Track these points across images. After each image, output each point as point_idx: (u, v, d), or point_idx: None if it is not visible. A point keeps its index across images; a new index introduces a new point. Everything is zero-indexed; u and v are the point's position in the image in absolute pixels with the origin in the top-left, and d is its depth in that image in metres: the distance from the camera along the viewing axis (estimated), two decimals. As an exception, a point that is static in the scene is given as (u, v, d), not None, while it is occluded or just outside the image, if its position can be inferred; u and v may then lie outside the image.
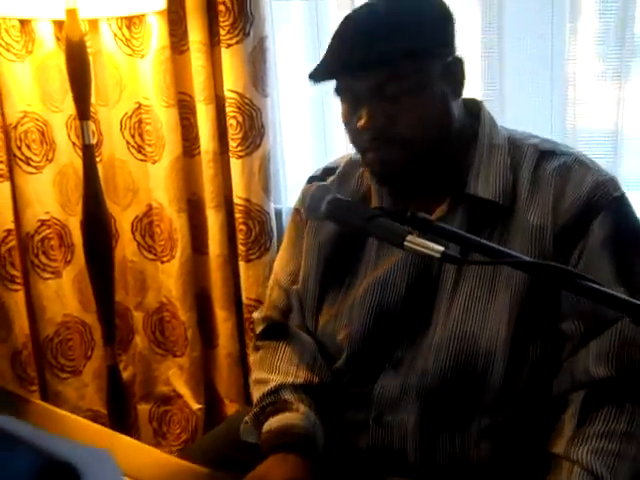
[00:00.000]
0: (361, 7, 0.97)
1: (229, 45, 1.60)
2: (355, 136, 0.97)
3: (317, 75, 0.94)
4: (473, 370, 0.93)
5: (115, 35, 1.72)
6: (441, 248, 0.74)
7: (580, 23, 1.42)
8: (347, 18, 0.95)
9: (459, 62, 0.97)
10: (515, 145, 0.99)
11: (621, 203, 0.95)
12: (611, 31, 1.41)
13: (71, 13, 1.46)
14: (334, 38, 0.94)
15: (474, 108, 1.02)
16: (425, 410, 0.96)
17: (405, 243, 0.77)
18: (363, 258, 1.04)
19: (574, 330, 0.92)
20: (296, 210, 1.15)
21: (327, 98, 1.01)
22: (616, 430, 0.86)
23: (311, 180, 1.14)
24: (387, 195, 1.02)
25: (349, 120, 0.96)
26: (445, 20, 0.96)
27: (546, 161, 0.96)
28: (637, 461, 0.86)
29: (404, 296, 0.99)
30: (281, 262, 1.16)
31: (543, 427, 0.94)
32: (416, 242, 0.77)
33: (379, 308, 1.00)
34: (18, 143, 1.66)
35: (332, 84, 0.97)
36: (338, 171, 1.11)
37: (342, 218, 0.89)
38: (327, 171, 1.13)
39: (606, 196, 0.93)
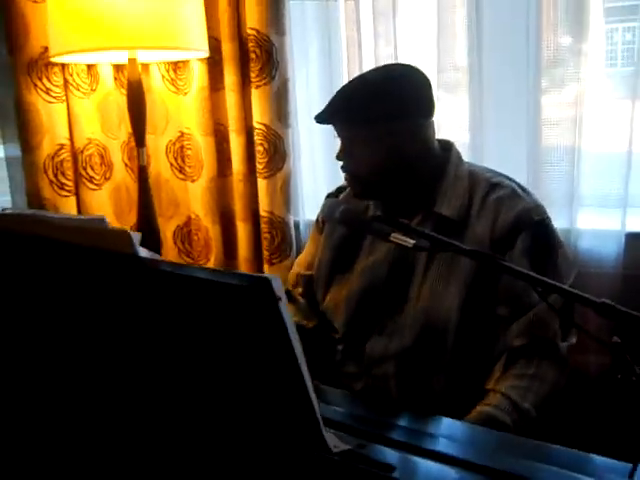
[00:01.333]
0: (353, 80, 1.32)
1: (258, 86, 1.92)
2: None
3: (316, 119, 1.32)
4: (435, 335, 1.27)
5: (163, 76, 2.07)
6: (413, 241, 1.07)
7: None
8: (340, 88, 1.30)
9: (412, 123, 1.28)
10: (473, 178, 1.34)
11: (540, 225, 1.27)
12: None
13: (132, 61, 1.81)
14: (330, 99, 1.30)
15: (446, 147, 1.37)
16: (400, 364, 1.29)
17: (391, 237, 1.10)
18: (360, 254, 1.40)
19: (505, 314, 1.26)
20: (317, 218, 1.54)
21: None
22: (526, 373, 1.22)
23: (329, 196, 1.53)
24: (380, 209, 1.38)
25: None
26: (408, 98, 1.27)
27: (493, 191, 1.31)
28: (540, 393, 1.20)
29: (386, 275, 1.33)
30: (302, 254, 1.57)
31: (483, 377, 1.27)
32: (397, 237, 1.10)
33: (369, 284, 1.35)
34: (84, 164, 1.99)
35: None
36: (348, 189, 1.46)
37: (350, 222, 1.24)
38: (340, 189, 1.51)
39: (529, 219, 1.26)
